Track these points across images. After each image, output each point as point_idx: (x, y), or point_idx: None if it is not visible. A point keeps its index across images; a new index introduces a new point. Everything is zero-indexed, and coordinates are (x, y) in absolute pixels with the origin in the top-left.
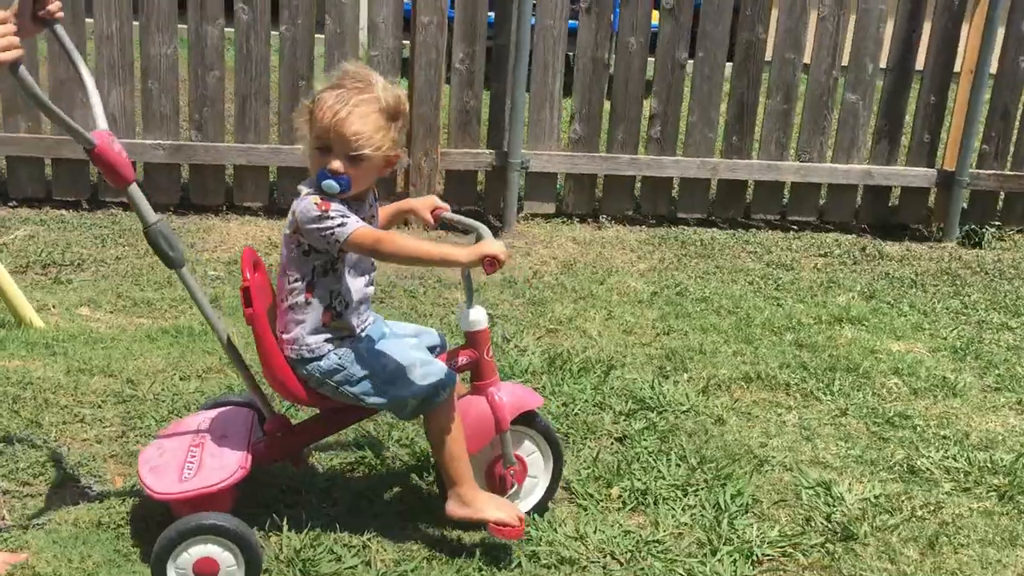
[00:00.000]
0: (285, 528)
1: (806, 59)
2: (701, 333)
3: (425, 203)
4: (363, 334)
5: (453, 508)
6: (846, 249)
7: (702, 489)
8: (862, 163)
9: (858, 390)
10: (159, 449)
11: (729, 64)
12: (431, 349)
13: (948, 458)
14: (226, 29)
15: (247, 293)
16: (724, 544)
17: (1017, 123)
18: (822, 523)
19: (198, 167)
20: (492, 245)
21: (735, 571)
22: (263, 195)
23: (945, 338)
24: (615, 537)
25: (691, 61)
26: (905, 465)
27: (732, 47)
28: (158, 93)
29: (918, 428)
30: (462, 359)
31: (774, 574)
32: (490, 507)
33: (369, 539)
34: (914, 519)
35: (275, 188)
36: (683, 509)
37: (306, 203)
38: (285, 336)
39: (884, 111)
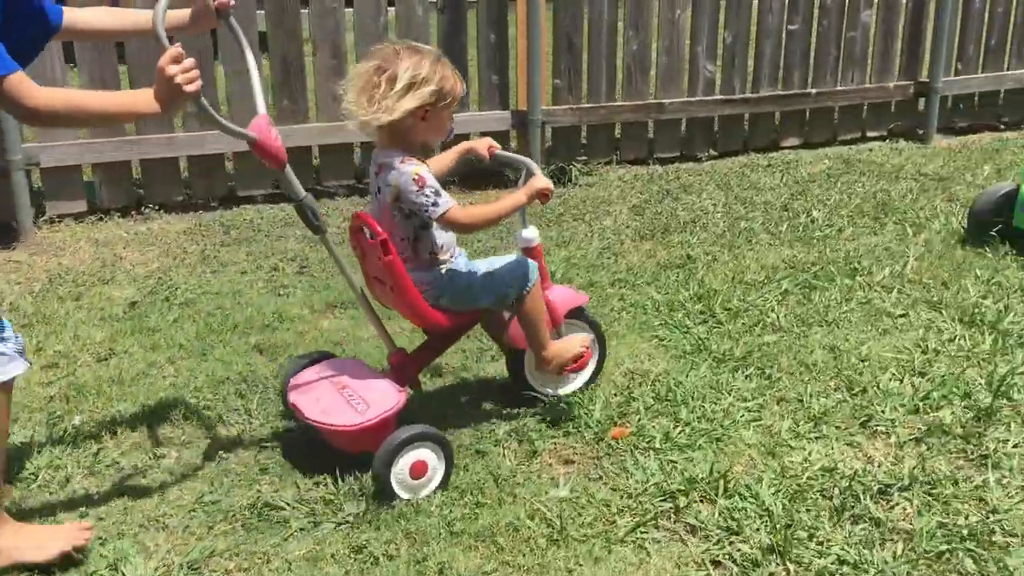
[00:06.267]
0: None
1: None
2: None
3: (482, 143)
4: (455, 259)
5: (544, 365)
6: None
7: None
8: None
9: None
10: (313, 399)
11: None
12: None
13: None
14: None
15: (385, 244)
16: None
17: (585, 54)
18: None
19: None
20: (542, 180)
21: None
22: None
23: None
24: None
25: None
26: None
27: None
28: None
29: None
30: None
31: None
32: (566, 349)
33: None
34: None
35: None
36: None
37: (405, 178)
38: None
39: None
